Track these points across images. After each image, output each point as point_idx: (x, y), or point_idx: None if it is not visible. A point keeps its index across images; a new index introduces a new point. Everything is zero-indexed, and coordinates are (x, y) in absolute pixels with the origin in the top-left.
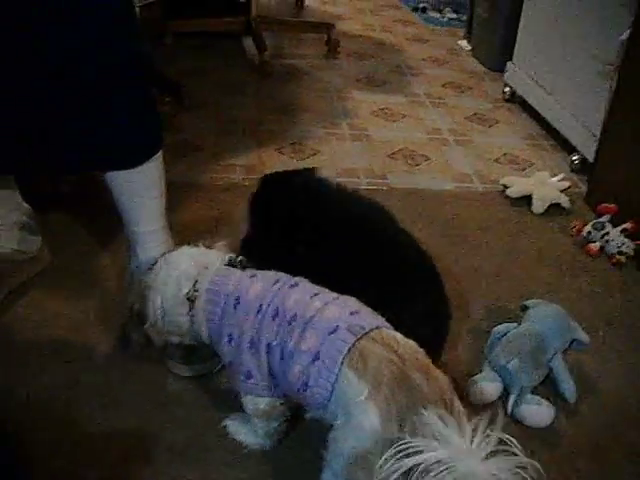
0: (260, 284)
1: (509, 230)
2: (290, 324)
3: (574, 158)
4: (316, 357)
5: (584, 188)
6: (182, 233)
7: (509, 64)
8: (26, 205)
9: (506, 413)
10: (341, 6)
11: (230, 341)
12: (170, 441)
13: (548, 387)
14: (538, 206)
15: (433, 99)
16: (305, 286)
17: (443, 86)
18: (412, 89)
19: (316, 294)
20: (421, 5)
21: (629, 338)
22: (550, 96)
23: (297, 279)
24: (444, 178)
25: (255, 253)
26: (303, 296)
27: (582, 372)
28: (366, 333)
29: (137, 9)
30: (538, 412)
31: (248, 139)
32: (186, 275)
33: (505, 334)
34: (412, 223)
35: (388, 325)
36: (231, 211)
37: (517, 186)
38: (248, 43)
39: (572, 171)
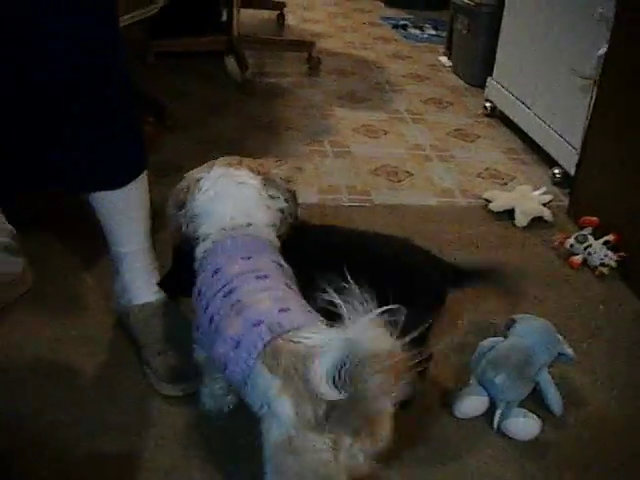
0: (239, 267)
1: (493, 244)
2: (232, 307)
3: (555, 171)
4: (237, 345)
5: (566, 201)
6: (166, 253)
7: (489, 79)
8: (9, 226)
9: (493, 427)
10: (322, 24)
11: (198, 294)
12: (160, 463)
13: (534, 400)
14: (521, 220)
15: (414, 115)
16: (270, 282)
17: (424, 102)
18: (393, 105)
19: (269, 288)
20: (401, 22)
21: (613, 350)
22: (530, 110)
23: (272, 273)
24: (427, 194)
25: None
26: (257, 287)
27: (568, 384)
28: (285, 332)
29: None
30: (525, 425)
31: None
32: (226, 214)
33: (491, 348)
34: None
35: (317, 323)
36: None
37: (499, 200)
38: (230, 62)
39: (554, 184)
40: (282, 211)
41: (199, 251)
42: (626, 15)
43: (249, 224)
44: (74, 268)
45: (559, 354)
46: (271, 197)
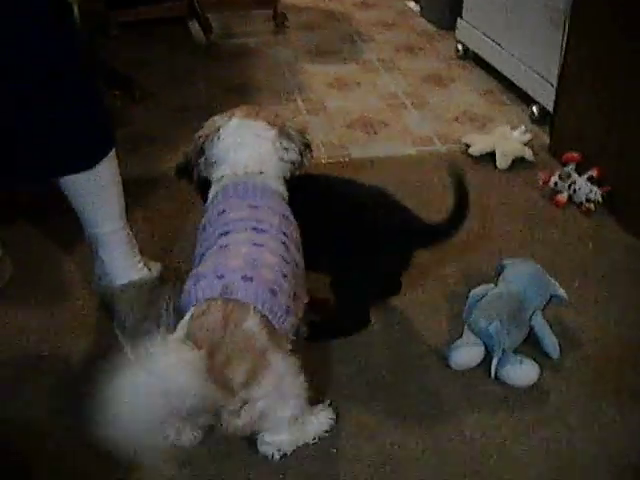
0: (244, 214)
1: (476, 189)
2: (220, 248)
3: (533, 109)
4: (197, 280)
5: (546, 138)
6: (146, 229)
7: (459, 21)
8: None
9: (490, 375)
10: None
11: (203, 229)
12: None
13: (530, 345)
14: (502, 162)
15: (386, 64)
16: (264, 237)
17: (395, 50)
18: (364, 56)
19: (258, 245)
20: None
21: (605, 287)
22: (504, 49)
23: (272, 228)
24: (405, 143)
25: None
26: (249, 238)
27: (562, 326)
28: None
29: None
30: (523, 371)
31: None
32: (241, 162)
33: (483, 296)
34: None
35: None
36: (193, 200)
37: (479, 144)
38: (194, 26)
39: (533, 122)
40: (294, 163)
41: (212, 192)
42: None
43: (261, 172)
44: (53, 254)
45: (551, 296)
46: (285, 149)
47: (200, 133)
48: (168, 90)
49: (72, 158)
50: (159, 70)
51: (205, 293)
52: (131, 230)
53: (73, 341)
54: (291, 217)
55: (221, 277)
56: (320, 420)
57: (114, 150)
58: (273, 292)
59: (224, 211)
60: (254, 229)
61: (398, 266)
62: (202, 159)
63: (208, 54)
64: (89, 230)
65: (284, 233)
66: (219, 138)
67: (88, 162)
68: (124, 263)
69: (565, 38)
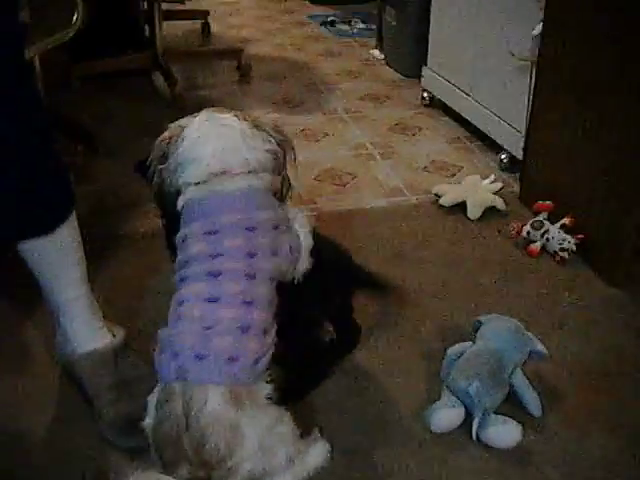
0: (201, 245)
1: (448, 240)
2: (177, 306)
3: (502, 157)
4: (160, 352)
5: (517, 187)
6: (113, 289)
7: (424, 69)
8: None
9: (472, 437)
10: (248, 29)
11: (182, 240)
12: None
13: (512, 404)
14: (474, 212)
15: (352, 113)
16: (222, 280)
17: (361, 99)
18: (330, 105)
19: (210, 301)
20: (329, 19)
21: (583, 338)
22: (470, 97)
23: (229, 260)
24: (375, 195)
25: None
26: (201, 293)
27: (543, 382)
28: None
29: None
30: (505, 432)
31: None
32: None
33: (460, 355)
34: (347, 246)
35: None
36: (160, 258)
37: (450, 194)
38: (158, 79)
39: (502, 170)
40: (275, 153)
41: (179, 203)
42: None
43: (225, 172)
44: (16, 319)
45: (531, 352)
46: (262, 140)
47: (161, 137)
48: (132, 144)
49: (29, 222)
50: (123, 123)
51: (163, 374)
52: (93, 293)
53: (33, 414)
54: (274, 217)
55: (175, 356)
56: (317, 450)
57: (74, 212)
58: (232, 359)
59: (184, 240)
60: (209, 274)
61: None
62: (165, 165)
63: (173, 106)
64: (49, 297)
65: (250, 254)
66: (184, 138)
67: (46, 226)
68: (87, 330)
69: (532, 86)
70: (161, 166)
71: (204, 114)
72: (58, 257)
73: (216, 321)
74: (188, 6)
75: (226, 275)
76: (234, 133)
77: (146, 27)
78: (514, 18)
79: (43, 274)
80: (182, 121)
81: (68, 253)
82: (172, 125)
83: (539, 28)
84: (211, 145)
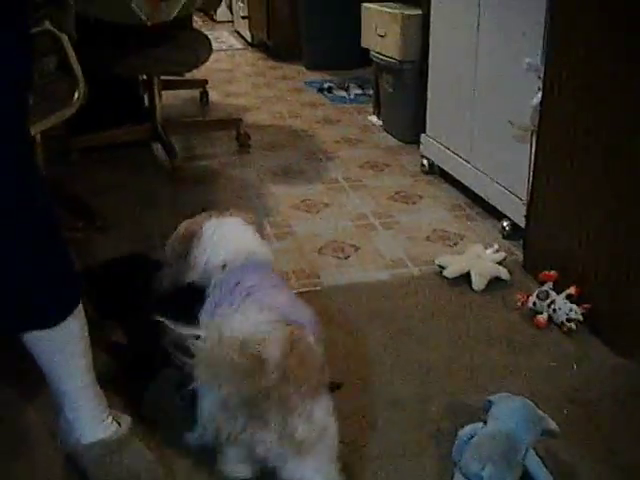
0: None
1: (453, 314)
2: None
3: (504, 224)
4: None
5: (520, 254)
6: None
7: (423, 136)
8: None
9: None
10: (246, 97)
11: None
12: None
13: None
14: (479, 283)
15: (352, 182)
16: None
17: (360, 167)
18: (330, 175)
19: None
20: (326, 85)
21: (594, 413)
22: (469, 164)
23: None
24: (377, 267)
25: None
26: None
27: (554, 459)
28: None
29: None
30: None
31: None
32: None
33: (472, 436)
34: (352, 321)
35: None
36: None
37: (453, 265)
38: (158, 149)
39: (504, 238)
40: None
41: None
42: (555, 62)
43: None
44: (17, 405)
45: (543, 431)
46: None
47: (177, 235)
48: (131, 216)
49: (38, 313)
50: (122, 195)
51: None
52: (98, 382)
53: None
54: None
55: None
56: None
57: (81, 302)
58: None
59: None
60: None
61: None
62: (182, 260)
63: (172, 178)
64: (54, 386)
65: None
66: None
67: (55, 318)
68: (91, 420)
69: (532, 154)
70: (178, 263)
71: (215, 219)
72: (63, 348)
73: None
74: (187, 76)
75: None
76: (252, 232)
77: (145, 98)
78: (512, 87)
79: (47, 363)
80: (193, 222)
81: (74, 342)
82: (180, 228)
83: (538, 97)
84: (238, 239)
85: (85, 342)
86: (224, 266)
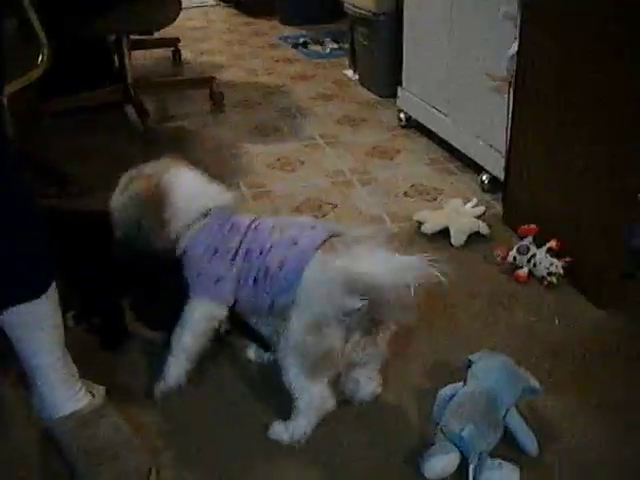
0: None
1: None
2: (273, 228)
3: (483, 178)
4: (294, 242)
5: (499, 208)
6: (88, 341)
7: (399, 89)
8: None
9: None
10: (219, 55)
11: (215, 252)
12: None
13: (507, 444)
14: (458, 238)
15: (329, 139)
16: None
17: (337, 123)
18: (306, 132)
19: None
20: (301, 40)
21: (576, 367)
22: (447, 118)
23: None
24: (355, 225)
25: None
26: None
27: (537, 418)
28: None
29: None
30: (502, 476)
31: None
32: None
33: (452, 396)
34: None
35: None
36: None
37: (432, 221)
38: (130, 111)
39: (484, 191)
40: None
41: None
42: (531, 10)
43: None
44: None
45: (524, 389)
46: None
47: (133, 198)
48: (106, 181)
49: (13, 289)
50: (96, 159)
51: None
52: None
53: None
54: None
55: (314, 226)
56: None
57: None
58: None
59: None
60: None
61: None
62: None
63: (146, 139)
64: (26, 362)
65: None
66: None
67: (38, 290)
68: (64, 393)
69: (510, 106)
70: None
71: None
72: (37, 323)
73: None
74: (158, 34)
75: None
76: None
77: (115, 59)
78: (489, 38)
79: (19, 338)
80: (148, 169)
81: (47, 317)
82: (137, 176)
83: (514, 47)
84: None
85: (57, 316)
86: (206, 214)
